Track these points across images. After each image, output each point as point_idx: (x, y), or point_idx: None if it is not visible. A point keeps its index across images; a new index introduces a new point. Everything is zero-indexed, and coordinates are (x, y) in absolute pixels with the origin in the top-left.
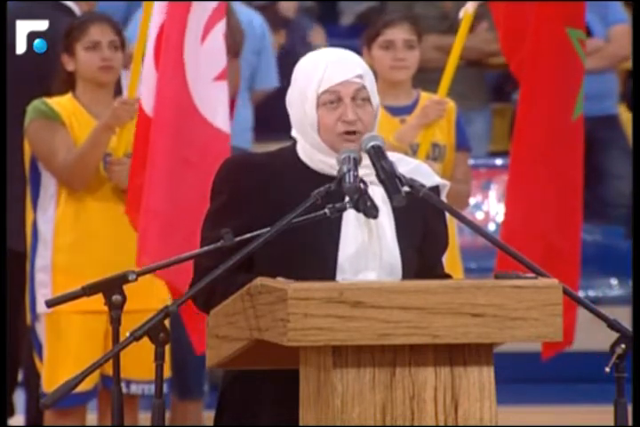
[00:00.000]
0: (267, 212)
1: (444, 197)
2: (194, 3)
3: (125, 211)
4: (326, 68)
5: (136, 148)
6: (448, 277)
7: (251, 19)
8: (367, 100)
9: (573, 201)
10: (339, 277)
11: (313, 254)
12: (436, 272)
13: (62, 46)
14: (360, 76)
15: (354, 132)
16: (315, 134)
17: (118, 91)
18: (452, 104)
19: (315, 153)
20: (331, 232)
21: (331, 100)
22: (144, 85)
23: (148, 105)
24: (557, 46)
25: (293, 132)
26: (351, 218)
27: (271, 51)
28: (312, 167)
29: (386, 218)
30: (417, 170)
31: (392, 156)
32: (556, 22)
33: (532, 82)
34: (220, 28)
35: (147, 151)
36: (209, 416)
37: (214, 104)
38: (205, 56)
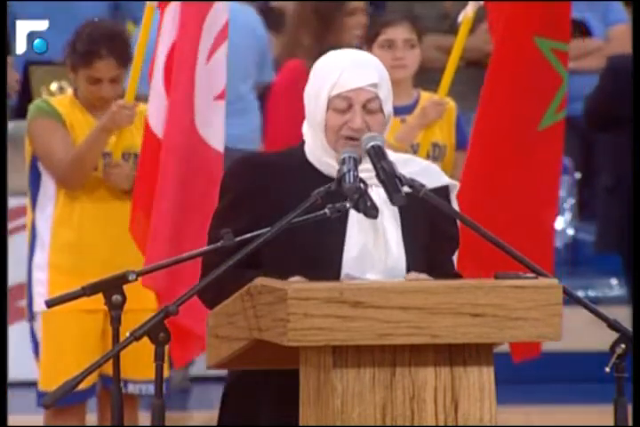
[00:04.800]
0: (272, 212)
1: (453, 197)
2: (205, 24)
3: (130, 228)
4: (342, 72)
5: (142, 168)
6: (458, 276)
7: (252, 19)
8: (379, 109)
9: (545, 211)
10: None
11: (317, 258)
12: (445, 272)
13: (66, 57)
14: (374, 85)
15: (358, 139)
16: (321, 135)
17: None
18: (452, 104)
19: (320, 154)
20: (336, 235)
21: (341, 105)
22: (152, 104)
23: (157, 127)
24: (522, 56)
25: (304, 129)
26: (356, 221)
27: (269, 48)
28: (318, 168)
29: (391, 220)
30: (426, 170)
31: (401, 156)
32: (524, 32)
33: (491, 89)
34: (224, 47)
35: (154, 173)
36: (213, 416)
37: (212, 123)
38: (209, 75)
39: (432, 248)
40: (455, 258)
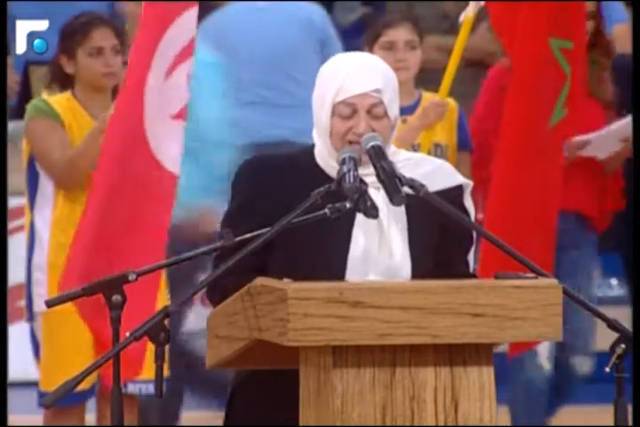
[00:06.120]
0: (279, 213)
1: (467, 196)
2: (164, 38)
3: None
4: (346, 77)
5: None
6: (472, 276)
7: (308, 11)
8: (383, 114)
9: (550, 208)
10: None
11: (322, 260)
12: (455, 272)
13: (61, 48)
14: (378, 91)
15: None
16: (327, 139)
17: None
18: (453, 104)
19: (327, 158)
20: (341, 237)
21: (346, 111)
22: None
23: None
24: (538, 57)
25: (314, 133)
26: (361, 222)
27: (335, 38)
28: (326, 172)
29: (397, 222)
30: (440, 169)
31: (414, 156)
32: (541, 33)
33: (513, 89)
34: (187, 66)
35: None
36: (220, 416)
37: (167, 142)
38: (167, 92)
39: (443, 249)
40: (471, 258)
